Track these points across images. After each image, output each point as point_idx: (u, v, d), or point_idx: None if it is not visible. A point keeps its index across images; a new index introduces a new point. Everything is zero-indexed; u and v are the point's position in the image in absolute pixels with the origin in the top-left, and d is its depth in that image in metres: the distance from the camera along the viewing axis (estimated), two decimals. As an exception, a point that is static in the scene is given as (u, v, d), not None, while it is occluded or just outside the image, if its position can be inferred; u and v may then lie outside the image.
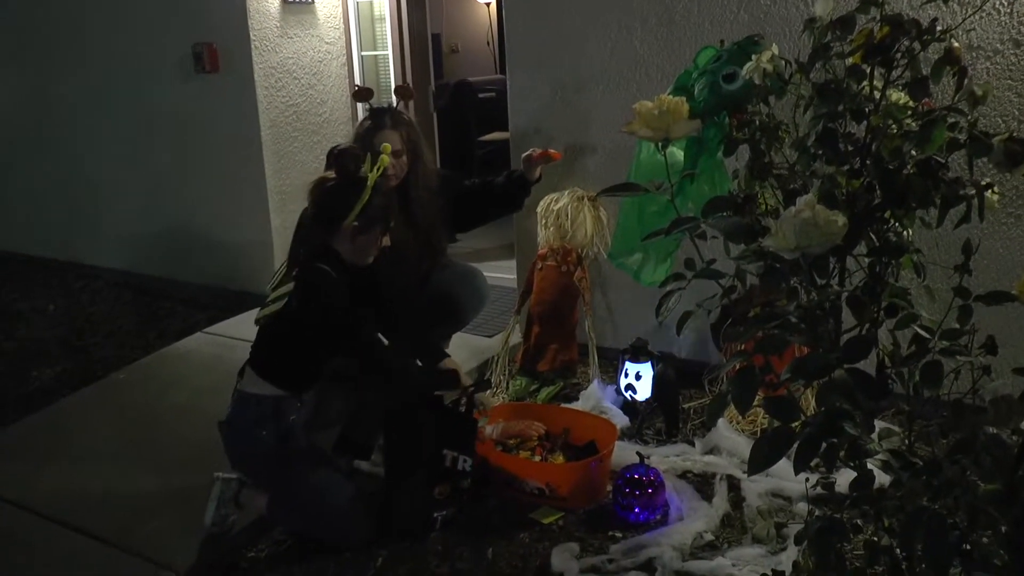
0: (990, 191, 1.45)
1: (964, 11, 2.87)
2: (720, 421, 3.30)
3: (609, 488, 2.94)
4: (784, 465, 2.97)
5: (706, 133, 2.11)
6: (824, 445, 1.35)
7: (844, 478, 2.83)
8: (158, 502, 2.96)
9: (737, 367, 1.49)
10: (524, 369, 3.88)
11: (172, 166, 5.22)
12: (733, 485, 2.96)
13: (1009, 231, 3.07)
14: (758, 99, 1.68)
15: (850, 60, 1.39)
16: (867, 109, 1.39)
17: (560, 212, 3.76)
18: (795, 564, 1.76)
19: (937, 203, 1.46)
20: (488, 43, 9.01)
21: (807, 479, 1.50)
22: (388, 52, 5.19)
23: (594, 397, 3.57)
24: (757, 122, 1.72)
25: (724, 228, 1.41)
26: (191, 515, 2.80)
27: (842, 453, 1.38)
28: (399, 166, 3.09)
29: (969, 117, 1.34)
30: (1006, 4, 2.90)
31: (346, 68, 5.08)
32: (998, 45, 2.94)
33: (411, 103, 4.54)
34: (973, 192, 1.45)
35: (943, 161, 1.40)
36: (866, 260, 1.57)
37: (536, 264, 3.90)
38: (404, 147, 3.11)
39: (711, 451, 3.19)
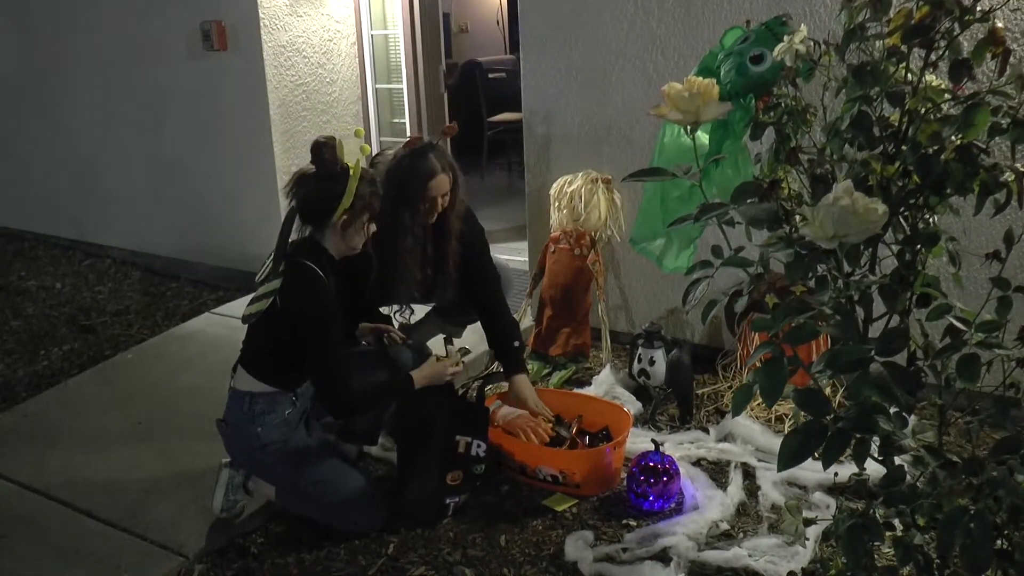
0: (1027, 178, 1.39)
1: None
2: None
3: (623, 476, 2.91)
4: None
5: (731, 116, 2.05)
6: (854, 440, 1.30)
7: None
8: (167, 485, 2.94)
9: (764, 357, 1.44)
10: (536, 353, 3.84)
11: (180, 145, 5.18)
12: (748, 473, 2.94)
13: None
14: (786, 81, 1.62)
15: (888, 41, 1.33)
16: (904, 92, 1.33)
17: (574, 194, 3.71)
18: (823, 561, 1.72)
19: (975, 190, 1.41)
20: (498, 23, 8.92)
21: (836, 473, 1.46)
22: (399, 31, 5.12)
23: (607, 382, 3.54)
24: (784, 105, 1.66)
25: (752, 215, 1.37)
26: (200, 498, 2.79)
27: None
28: (444, 203, 3.01)
29: (1016, 100, 1.29)
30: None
31: (356, 47, 5.01)
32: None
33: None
34: (1012, 178, 1.40)
35: (984, 146, 1.34)
36: (895, 248, 1.52)
37: (548, 247, 3.86)
38: (452, 187, 3.02)
39: (725, 438, 3.15)
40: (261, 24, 4.52)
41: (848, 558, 1.28)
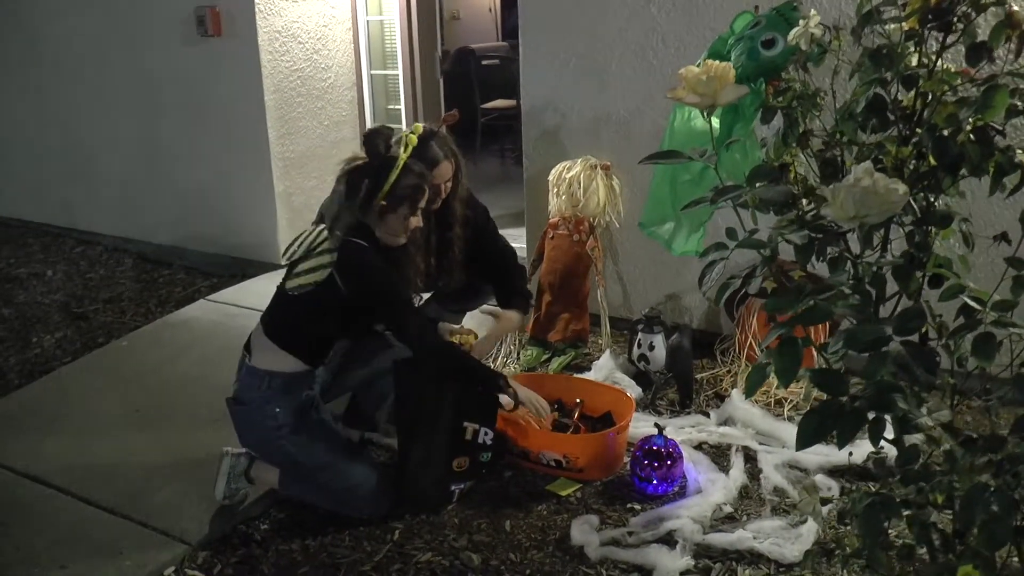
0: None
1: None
2: (734, 392, 3.28)
3: (626, 460, 2.91)
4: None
5: (742, 100, 2.05)
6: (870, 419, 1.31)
7: (861, 450, 2.80)
8: (167, 471, 2.93)
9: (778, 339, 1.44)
10: (535, 339, 3.84)
11: (174, 131, 5.14)
12: (749, 457, 2.95)
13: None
14: (797, 66, 1.62)
15: (905, 24, 1.33)
16: (919, 75, 1.34)
17: (572, 180, 3.71)
18: (837, 540, 1.73)
19: (990, 171, 1.42)
20: (490, 10, 8.88)
21: (851, 453, 1.46)
22: (395, 17, 5.08)
23: (606, 368, 3.54)
24: (794, 89, 1.66)
25: (768, 196, 1.37)
26: (201, 485, 2.78)
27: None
28: (447, 190, 3.03)
29: (1034, 80, 1.30)
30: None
31: (351, 33, 4.98)
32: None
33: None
34: (1024, 160, 1.41)
35: (1000, 128, 1.35)
36: (906, 230, 1.53)
37: (547, 233, 3.85)
38: (454, 173, 3.03)
39: (726, 422, 3.16)
40: (256, 9, 4.49)
41: (865, 536, 1.29)
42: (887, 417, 1.31)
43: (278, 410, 2.56)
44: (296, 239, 2.57)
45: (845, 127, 1.42)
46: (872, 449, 1.99)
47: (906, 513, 1.28)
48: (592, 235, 3.76)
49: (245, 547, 2.60)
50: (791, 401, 3.26)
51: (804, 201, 1.62)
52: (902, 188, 1.17)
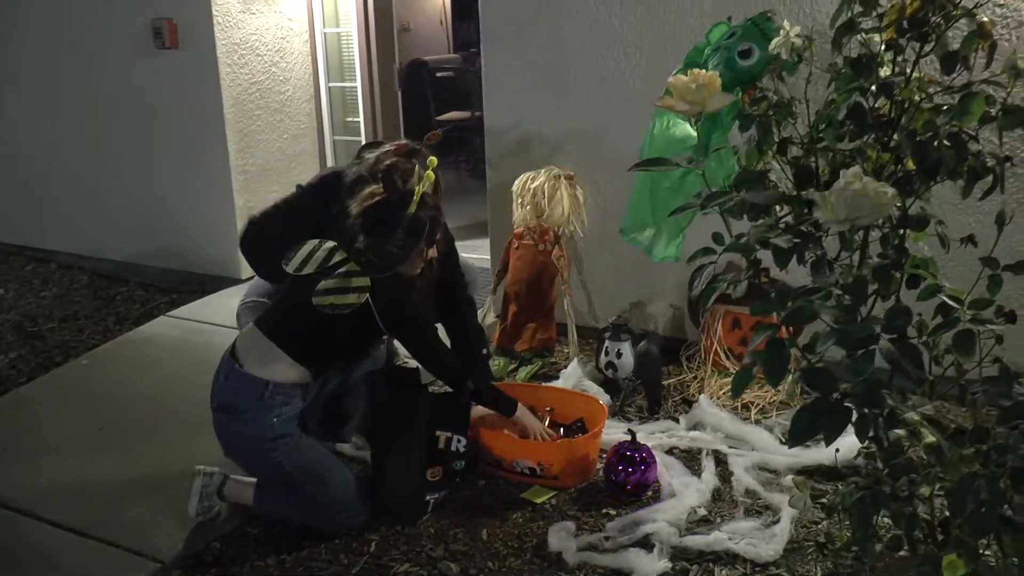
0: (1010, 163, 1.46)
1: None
2: (701, 397, 3.33)
3: (599, 466, 2.94)
4: (768, 439, 3.03)
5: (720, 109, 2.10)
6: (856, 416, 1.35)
7: (828, 451, 2.87)
8: (137, 490, 2.89)
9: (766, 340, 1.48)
10: (501, 349, 3.86)
11: (129, 145, 5.06)
12: (720, 460, 3.00)
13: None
14: (773, 75, 1.67)
15: (884, 35, 1.39)
16: (897, 83, 1.39)
17: (537, 191, 3.74)
18: (827, 535, 1.77)
19: (965, 175, 1.48)
20: (441, 21, 8.90)
21: (837, 450, 1.51)
22: (352, 29, 5.08)
23: (574, 376, 3.57)
24: (769, 98, 1.71)
25: (757, 201, 1.41)
26: (171, 502, 2.75)
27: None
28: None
29: (1008, 90, 1.35)
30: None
31: (308, 45, 4.97)
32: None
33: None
34: (994, 164, 1.47)
35: (974, 134, 1.41)
36: (882, 232, 1.58)
37: (512, 243, 3.88)
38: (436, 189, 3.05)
39: (695, 427, 3.21)
40: (214, 21, 4.45)
41: (856, 529, 1.33)
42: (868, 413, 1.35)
43: (275, 420, 2.54)
44: (301, 251, 2.62)
45: (826, 134, 1.47)
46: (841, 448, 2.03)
47: (894, 506, 1.32)
48: (557, 244, 3.79)
49: (219, 564, 2.57)
50: (758, 405, 3.32)
51: (777, 208, 1.67)
52: (891, 191, 1.22)
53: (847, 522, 1.35)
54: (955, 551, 1.26)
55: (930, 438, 1.34)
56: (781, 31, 1.57)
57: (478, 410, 2.94)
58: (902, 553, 1.42)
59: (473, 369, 3.11)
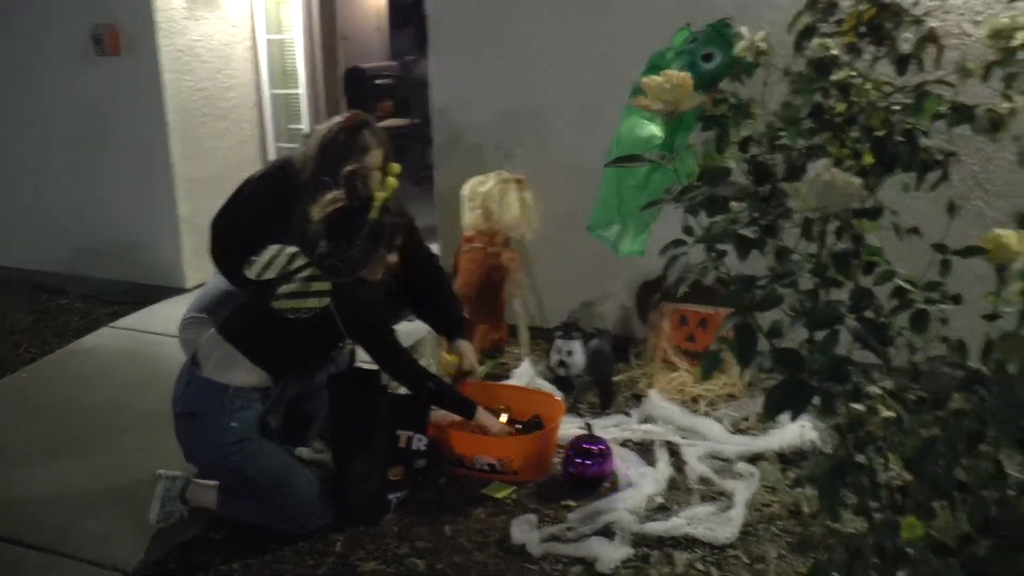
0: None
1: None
2: (651, 392, 3.44)
3: (556, 460, 3.02)
4: (718, 430, 3.14)
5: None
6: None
7: (775, 438, 2.99)
8: (94, 502, 2.86)
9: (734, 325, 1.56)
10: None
11: (68, 153, 4.95)
12: (673, 451, 3.10)
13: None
14: (734, 78, 1.77)
15: (845, 39, 1.50)
16: (855, 84, 1.50)
17: (487, 195, 3.80)
18: (796, 505, 1.86)
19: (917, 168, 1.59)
20: (378, 29, 8.92)
21: (803, 426, 1.60)
22: (296, 36, 5.07)
23: (527, 375, 3.64)
24: (729, 100, 1.81)
25: (728, 194, 1.50)
26: (132, 511, 2.73)
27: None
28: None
29: (957, 89, 1.48)
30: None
31: (251, 52, 4.96)
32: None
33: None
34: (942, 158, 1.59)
35: (925, 131, 1.53)
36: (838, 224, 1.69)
37: (462, 247, 3.93)
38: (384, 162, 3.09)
39: (647, 420, 3.31)
40: (157, 28, 4.41)
41: (825, 497, 1.42)
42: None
43: (235, 424, 2.56)
44: (262, 257, 2.65)
45: (789, 131, 1.57)
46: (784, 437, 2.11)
47: (857, 476, 1.42)
48: (508, 247, 3.86)
49: (184, 571, 2.56)
50: (706, 398, 3.44)
51: (733, 205, 1.76)
52: (858, 181, 1.32)
53: (815, 495, 1.44)
54: (915, 514, 1.37)
55: (887, 412, 1.45)
56: (742, 37, 1.67)
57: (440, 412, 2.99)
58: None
59: (453, 328, 3.24)
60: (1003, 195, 3.18)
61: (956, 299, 1.60)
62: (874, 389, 1.37)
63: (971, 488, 1.34)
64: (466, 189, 3.89)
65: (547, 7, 3.73)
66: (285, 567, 2.56)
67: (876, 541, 1.40)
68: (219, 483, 2.72)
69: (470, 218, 3.88)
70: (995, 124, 1.42)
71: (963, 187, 3.15)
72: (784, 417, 3.12)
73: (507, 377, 3.69)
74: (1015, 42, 1.43)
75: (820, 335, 1.40)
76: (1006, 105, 1.47)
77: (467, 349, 3.22)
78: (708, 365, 1.60)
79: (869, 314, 1.33)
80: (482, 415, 2.96)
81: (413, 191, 4.19)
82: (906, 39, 1.55)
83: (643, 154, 1.60)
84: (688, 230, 1.57)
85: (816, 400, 1.38)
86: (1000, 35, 1.44)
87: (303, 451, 3.12)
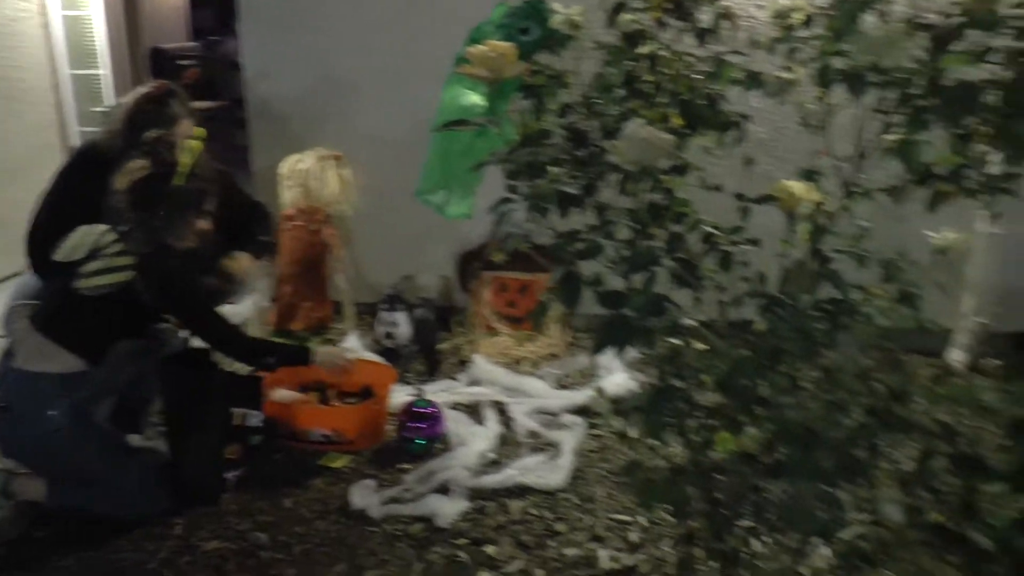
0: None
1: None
2: (476, 356, 3.60)
3: (389, 427, 3.11)
4: (542, 387, 3.33)
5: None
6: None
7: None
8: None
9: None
10: (278, 329, 3.91)
11: None
12: (501, 410, 3.27)
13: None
14: (553, 50, 1.93)
15: (652, 14, 1.69)
16: (662, 55, 1.70)
17: (306, 173, 3.81)
18: (623, 432, 2.03)
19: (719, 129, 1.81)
20: (176, 8, 8.55)
21: (624, 379, 1.77)
22: (94, 12, 4.78)
23: (354, 349, 3.70)
24: (546, 72, 1.97)
25: (545, 156, 1.65)
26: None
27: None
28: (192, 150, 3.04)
29: (749, 59, 1.70)
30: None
31: (44, 29, 4.65)
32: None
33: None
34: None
35: (724, 95, 1.74)
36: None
37: (283, 225, 3.92)
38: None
39: (473, 383, 3.47)
40: (-69, 1, 4.08)
41: (648, 422, 1.60)
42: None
43: (53, 413, 2.47)
44: (70, 239, 2.53)
45: (604, 98, 1.74)
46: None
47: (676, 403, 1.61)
48: (328, 224, 3.89)
49: (15, 570, 2.46)
50: (530, 360, 3.64)
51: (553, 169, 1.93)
52: (669, 137, 1.50)
53: (640, 423, 1.61)
54: (726, 430, 1.57)
55: (700, 345, 1.65)
56: (557, 12, 1.84)
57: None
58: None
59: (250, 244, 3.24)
60: (788, 160, 3.54)
61: (755, 242, 1.83)
62: (689, 322, 1.56)
63: (771, 402, 1.56)
64: (284, 167, 3.88)
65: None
66: (124, 555, 2.50)
67: (694, 457, 1.60)
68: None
69: (289, 196, 3.88)
70: (782, 88, 1.66)
71: (755, 153, 3.50)
72: (606, 371, 3.36)
73: (335, 352, 3.74)
74: (792, 21, 1.67)
75: (640, 279, 1.58)
76: (787, 75, 1.71)
77: (245, 260, 3.23)
78: (539, 313, 1.75)
79: (682, 255, 1.51)
80: (321, 352, 2.96)
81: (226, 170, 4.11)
82: (704, 15, 1.76)
83: (468, 120, 1.72)
84: (513, 188, 1.71)
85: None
86: (780, 15, 1.68)
87: (135, 438, 3.04)
